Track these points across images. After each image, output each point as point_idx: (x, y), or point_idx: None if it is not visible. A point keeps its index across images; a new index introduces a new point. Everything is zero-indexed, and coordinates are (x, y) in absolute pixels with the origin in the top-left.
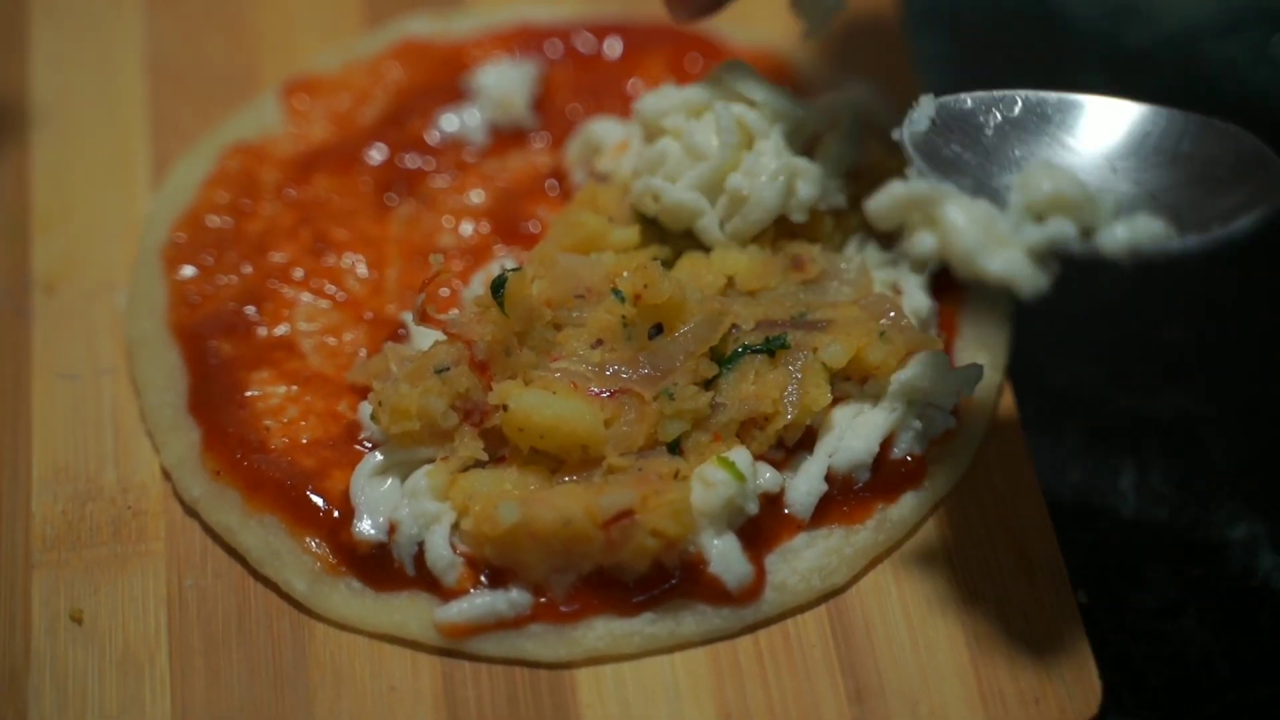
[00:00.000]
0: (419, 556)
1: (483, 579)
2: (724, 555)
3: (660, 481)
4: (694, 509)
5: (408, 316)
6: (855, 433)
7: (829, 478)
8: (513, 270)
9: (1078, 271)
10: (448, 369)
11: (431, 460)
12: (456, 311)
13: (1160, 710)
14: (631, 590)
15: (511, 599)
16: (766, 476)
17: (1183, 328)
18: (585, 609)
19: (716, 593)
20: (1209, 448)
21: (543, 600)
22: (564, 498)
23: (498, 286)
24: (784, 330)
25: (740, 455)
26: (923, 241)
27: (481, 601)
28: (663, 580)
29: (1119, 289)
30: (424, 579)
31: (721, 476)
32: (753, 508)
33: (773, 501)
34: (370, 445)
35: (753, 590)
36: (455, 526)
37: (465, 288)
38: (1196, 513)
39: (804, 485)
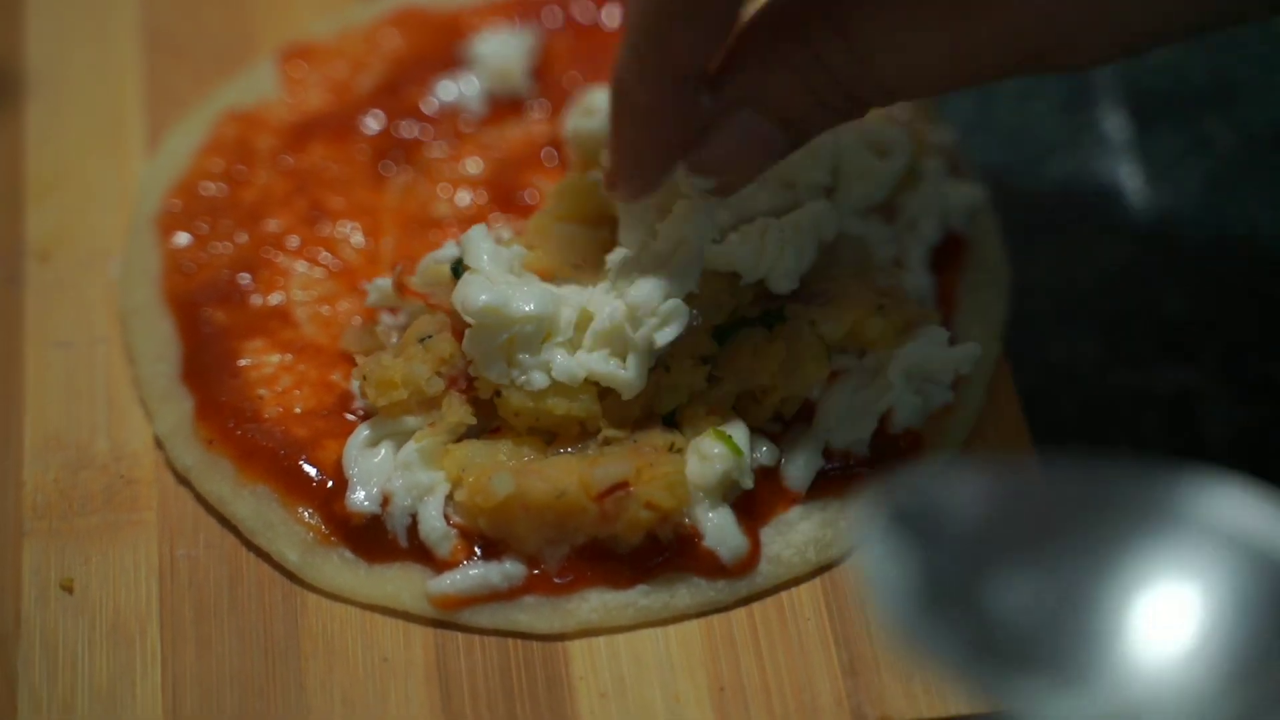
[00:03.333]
0: (412, 528)
1: (476, 550)
2: (719, 529)
3: (655, 454)
4: (689, 482)
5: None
6: (854, 407)
7: (826, 452)
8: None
9: (1076, 244)
10: (431, 337)
11: (430, 425)
12: None
13: None
14: (625, 563)
15: (505, 570)
16: (763, 450)
17: (1181, 302)
18: (579, 581)
19: (711, 566)
20: (1206, 423)
21: (536, 572)
22: (557, 469)
23: (456, 270)
24: (781, 303)
25: (737, 429)
26: None
27: (474, 573)
28: (657, 553)
29: (1118, 262)
30: (417, 550)
31: (718, 450)
32: (748, 482)
33: (769, 474)
34: (362, 415)
35: (747, 563)
36: (449, 498)
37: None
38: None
39: (801, 459)
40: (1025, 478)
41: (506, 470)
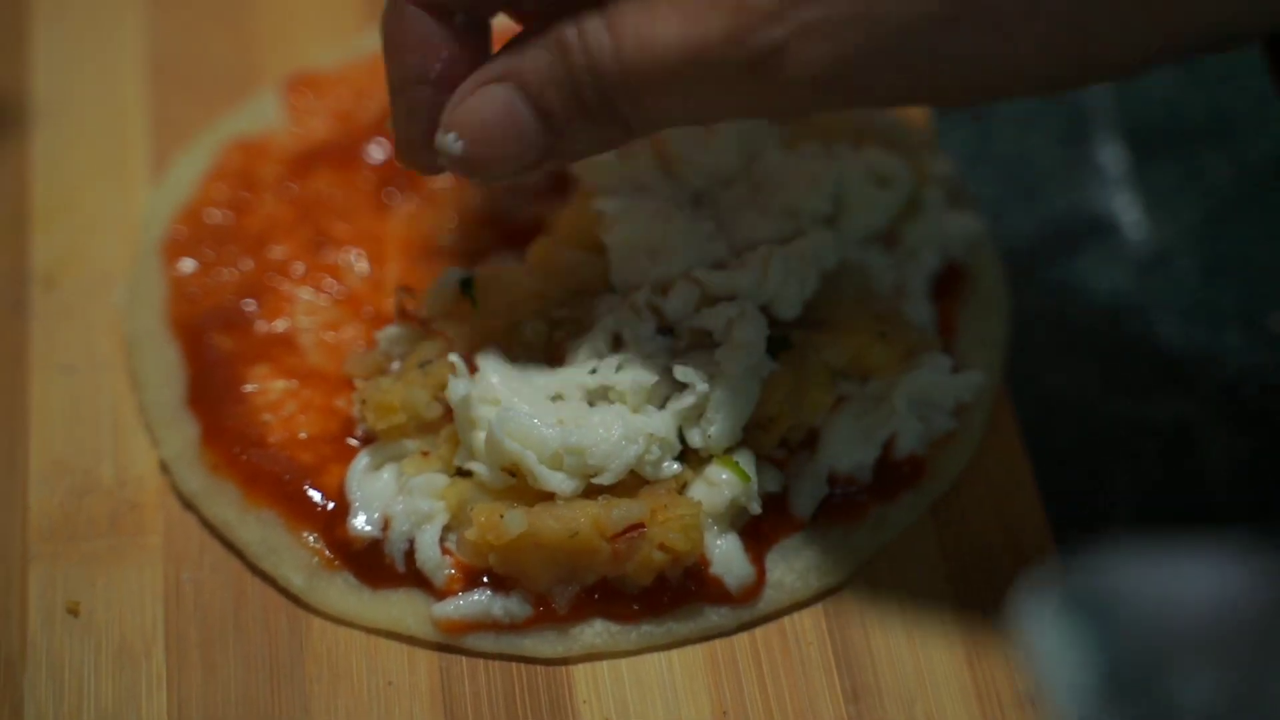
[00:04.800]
0: (409, 554)
1: (484, 580)
2: (726, 556)
3: (669, 495)
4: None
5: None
6: (858, 433)
7: (830, 478)
8: (488, 270)
9: (1074, 274)
10: (430, 362)
11: (423, 453)
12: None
13: None
14: (633, 601)
15: (508, 607)
16: (769, 476)
17: (1179, 332)
18: (584, 613)
19: (716, 593)
20: (1206, 452)
21: (541, 610)
22: (571, 509)
23: (466, 285)
24: (785, 330)
25: (744, 455)
26: None
27: (478, 599)
28: (664, 592)
29: (1116, 292)
30: (414, 576)
31: (725, 476)
32: (756, 507)
33: (773, 500)
34: (363, 439)
35: (752, 591)
36: (448, 528)
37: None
38: (1193, 517)
39: (807, 486)
40: (1224, 565)
41: (519, 508)
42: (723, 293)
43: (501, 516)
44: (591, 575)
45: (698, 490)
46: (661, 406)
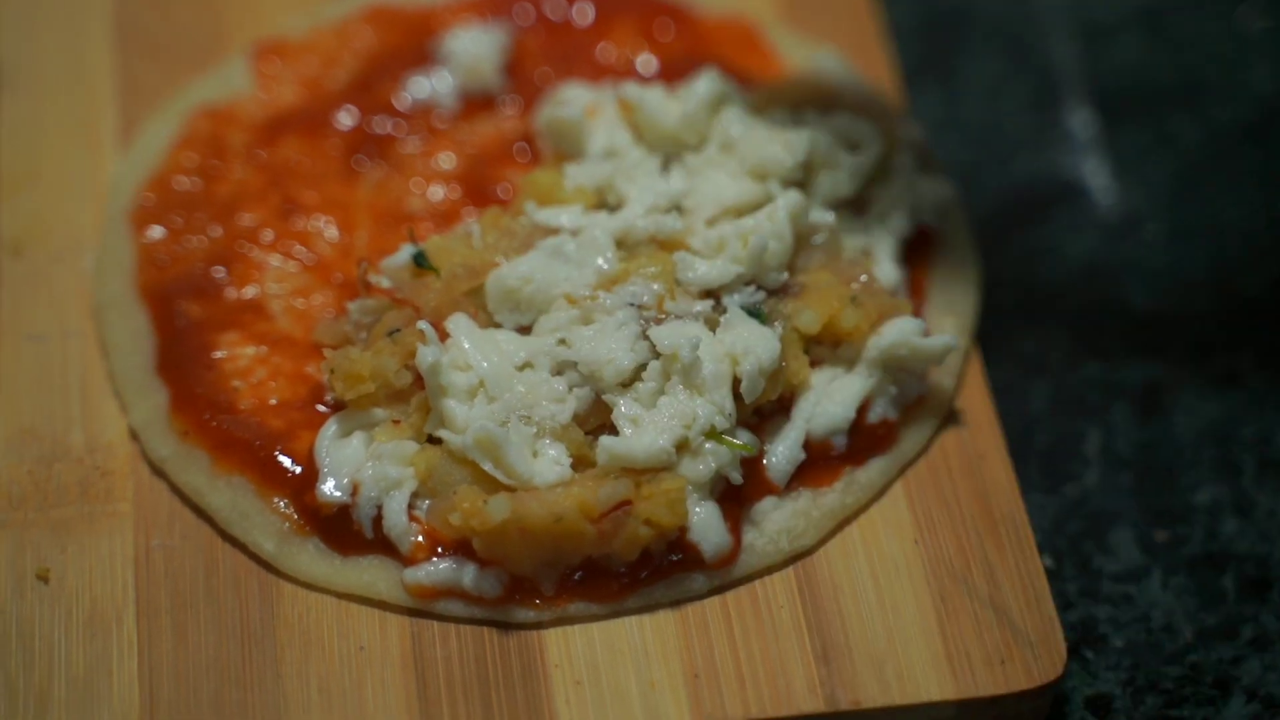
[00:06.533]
0: (377, 520)
1: (439, 550)
2: (704, 523)
3: (652, 471)
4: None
5: (375, 279)
6: (832, 398)
7: (805, 443)
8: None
9: (1044, 239)
10: (398, 330)
11: (394, 422)
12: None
13: (1124, 672)
14: (617, 578)
15: (479, 582)
16: (748, 441)
17: (1147, 295)
18: (564, 598)
19: (692, 559)
20: (1174, 414)
21: (514, 589)
22: (555, 492)
23: (419, 259)
24: (758, 297)
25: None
26: None
27: (450, 565)
28: (646, 566)
29: (1085, 256)
30: (383, 543)
31: (711, 447)
32: (737, 478)
33: (746, 465)
34: (333, 406)
35: (728, 559)
36: (417, 494)
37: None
38: (1161, 478)
39: (784, 452)
40: None
41: (504, 493)
42: (710, 283)
43: (485, 502)
44: (576, 556)
45: (684, 462)
46: (631, 376)
